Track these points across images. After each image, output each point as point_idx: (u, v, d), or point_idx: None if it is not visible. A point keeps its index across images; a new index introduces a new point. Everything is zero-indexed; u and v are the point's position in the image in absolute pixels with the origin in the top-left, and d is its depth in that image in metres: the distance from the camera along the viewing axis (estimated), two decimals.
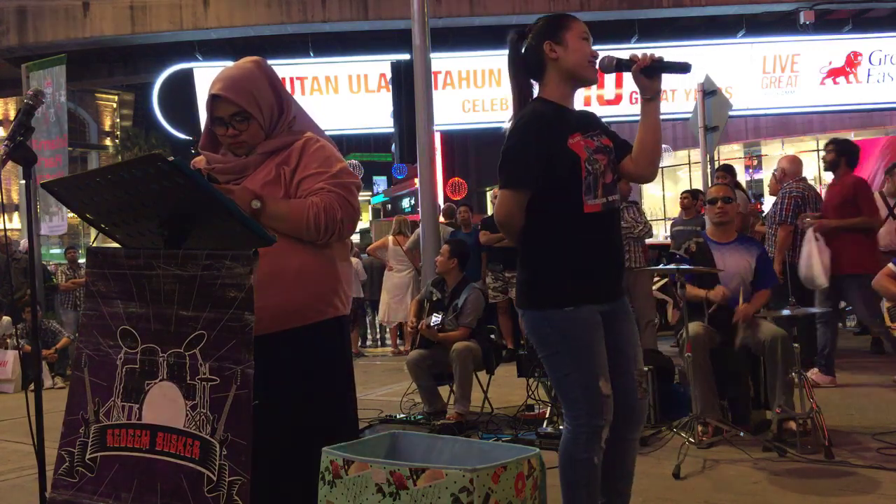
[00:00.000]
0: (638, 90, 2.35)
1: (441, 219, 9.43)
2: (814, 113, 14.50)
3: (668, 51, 13.06)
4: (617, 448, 2.34)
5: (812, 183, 7.33)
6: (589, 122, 2.37)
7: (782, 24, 13.66)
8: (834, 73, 12.44)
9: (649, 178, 2.45)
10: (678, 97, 12.61)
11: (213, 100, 2.20)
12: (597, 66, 2.34)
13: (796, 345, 4.08)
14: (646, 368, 4.67)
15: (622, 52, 2.53)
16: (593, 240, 2.28)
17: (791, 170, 6.21)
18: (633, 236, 6.37)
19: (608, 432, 2.28)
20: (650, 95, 2.32)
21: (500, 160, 2.30)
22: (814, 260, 5.32)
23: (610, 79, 12.82)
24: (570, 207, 2.25)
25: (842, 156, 5.71)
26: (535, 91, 2.40)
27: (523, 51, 2.38)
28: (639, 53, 2.30)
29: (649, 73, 2.29)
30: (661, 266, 5.31)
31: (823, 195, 6.08)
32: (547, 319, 2.27)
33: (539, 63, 2.35)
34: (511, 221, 2.31)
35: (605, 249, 2.31)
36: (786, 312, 4.11)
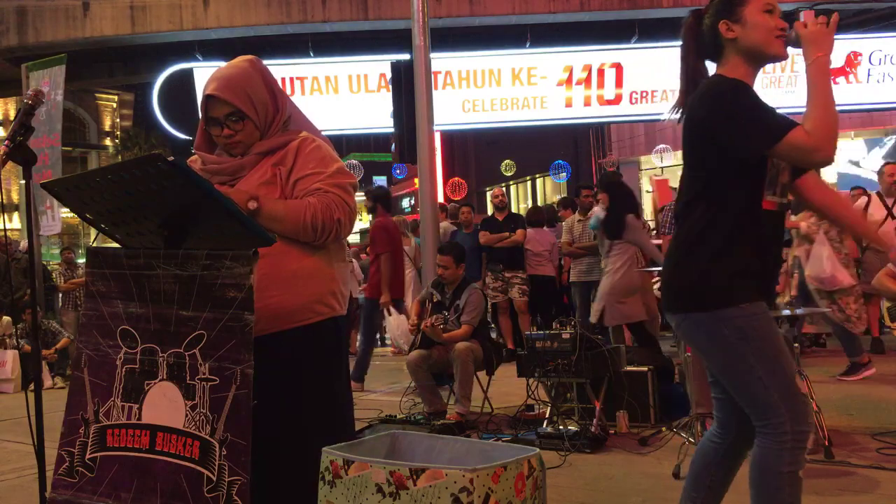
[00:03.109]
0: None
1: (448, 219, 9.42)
2: None
3: (668, 51, 13.09)
4: (736, 459, 2.19)
5: None
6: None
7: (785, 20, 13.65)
8: (834, 73, 12.41)
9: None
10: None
11: (208, 100, 2.19)
12: (785, 41, 2.07)
13: (796, 344, 4.07)
14: (646, 368, 4.72)
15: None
16: (765, 238, 2.08)
17: None
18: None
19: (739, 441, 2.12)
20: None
21: (735, 125, 1.98)
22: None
23: (610, 78, 12.83)
24: (750, 201, 2.04)
25: (377, 202, 6.87)
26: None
27: (700, 32, 2.15)
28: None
29: None
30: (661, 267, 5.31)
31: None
32: (723, 321, 2.02)
33: (716, 44, 2.12)
34: (833, 137, 1.95)
35: (772, 250, 2.13)
36: (785, 312, 4.12)
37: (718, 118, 2.01)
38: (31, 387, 2.37)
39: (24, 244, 9.45)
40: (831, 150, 1.96)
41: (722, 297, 2.02)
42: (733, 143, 2.00)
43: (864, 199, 7.36)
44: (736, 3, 2.09)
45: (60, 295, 9.87)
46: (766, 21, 2.06)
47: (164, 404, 1.87)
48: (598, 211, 6.31)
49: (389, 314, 6.37)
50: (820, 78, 1.99)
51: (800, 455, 1.99)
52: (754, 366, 2.00)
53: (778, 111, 1.99)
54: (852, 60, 12.29)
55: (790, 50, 2.12)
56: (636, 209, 6.09)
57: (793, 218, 5.58)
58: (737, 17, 2.08)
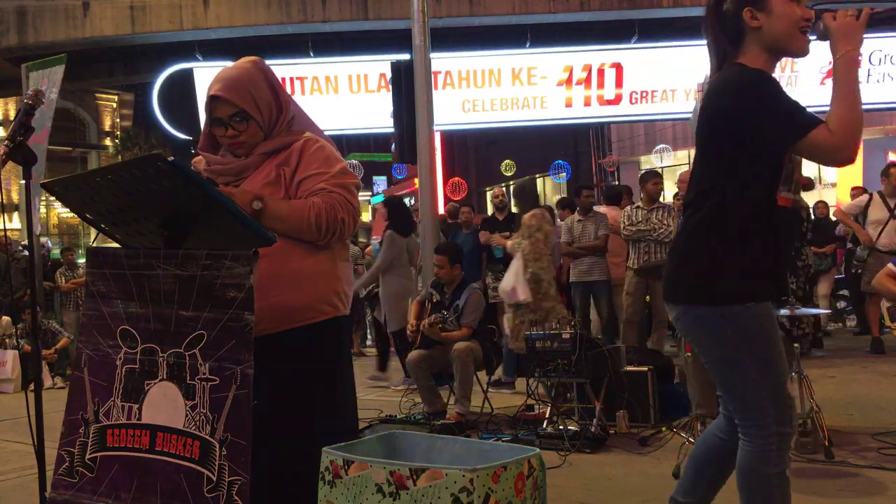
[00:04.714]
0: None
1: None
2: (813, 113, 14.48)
3: (668, 51, 13.09)
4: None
5: (813, 180, 7.42)
6: None
7: None
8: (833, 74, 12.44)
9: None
10: (678, 97, 12.59)
11: (212, 101, 2.20)
12: (809, 34, 1.99)
13: (796, 344, 4.07)
14: (646, 368, 4.72)
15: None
16: (779, 234, 2.03)
17: None
18: (654, 238, 6.36)
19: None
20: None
21: (760, 117, 1.92)
22: None
23: (610, 79, 12.82)
24: (765, 195, 1.99)
25: None
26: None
27: (722, 14, 2.06)
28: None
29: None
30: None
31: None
32: (727, 317, 1.97)
33: (737, 31, 2.02)
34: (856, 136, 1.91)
35: (785, 246, 2.09)
36: (784, 312, 4.11)
37: (743, 109, 1.95)
38: (32, 387, 2.37)
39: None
40: (853, 150, 1.91)
41: (730, 293, 1.97)
42: (756, 135, 1.94)
43: (864, 197, 7.36)
44: None
45: (60, 295, 9.86)
46: (792, 11, 1.98)
47: (164, 404, 1.87)
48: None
49: None
50: (847, 74, 1.93)
51: (785, 455, 1.99)
52: (750, 367, 1.98)
53: (801, 105, 1.94)
54: None
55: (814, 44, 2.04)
56: (402, 228, 6.68)
57: (510, 242, 6.05)
58: (762, 6, 1.99)
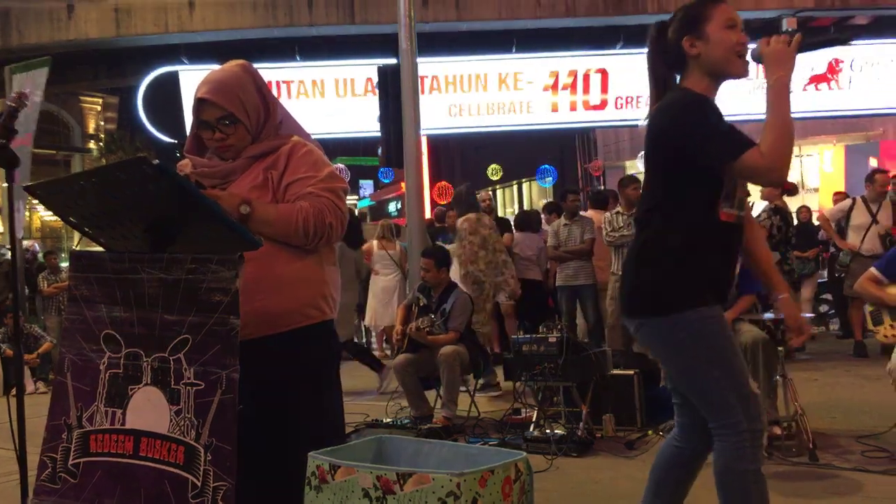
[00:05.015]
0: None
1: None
2: (796, 119, 14.55)
3: None
4: (699, 462, 2.22)
5: (797, 185, 7.47)
6: None
7: (765, 31, 13.79)
8: (815, 80, 12.53)
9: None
10: None
11: (200, 103, 2.19)
12: (747, 58, 2.11)
13: (781, 348, 4.10)
14: (632, 372, 4.74)
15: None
16: (722, 250, 2.14)
17: None
18: None
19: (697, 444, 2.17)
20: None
21: (697, 138, 2.02)
22: None
23: (596, 84, 12.89)
24: (707, 211, 2.08)
25: None
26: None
27: (665, 43, 2.18)
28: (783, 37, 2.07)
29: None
30: None
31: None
32: (680, 324, 2.06)
33: (679, 59, 2.15)
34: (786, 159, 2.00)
35: (729, 262, 2.18)
36: (768, 315, 4.15)
37: (681, 130, 2.05)
38: (14, 392, 2.35)
39: (27, 244, 9.26)
40: (783, 171, 2.03)
41: (678, 300, 2.06)
42: (693, 154, 2.05)
43: (848, 202, 7.44)
44: (699, 20, 2.11)
45: (42, 299, 9.75)
46: (727, 37, 2.09)
47: (149, 409, 1.85)
48: None
49: None
50: (778, 99, 2.04)
51: (759, 452, 2.05)
52: (710, 368, 2.05)
53: (737, 128, 2.05)
54: (834, 67, 12.42)
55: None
56: (352, 241, 6.69)
57: (450, 247, 6.34)
58: (699, 34, 2.10)
